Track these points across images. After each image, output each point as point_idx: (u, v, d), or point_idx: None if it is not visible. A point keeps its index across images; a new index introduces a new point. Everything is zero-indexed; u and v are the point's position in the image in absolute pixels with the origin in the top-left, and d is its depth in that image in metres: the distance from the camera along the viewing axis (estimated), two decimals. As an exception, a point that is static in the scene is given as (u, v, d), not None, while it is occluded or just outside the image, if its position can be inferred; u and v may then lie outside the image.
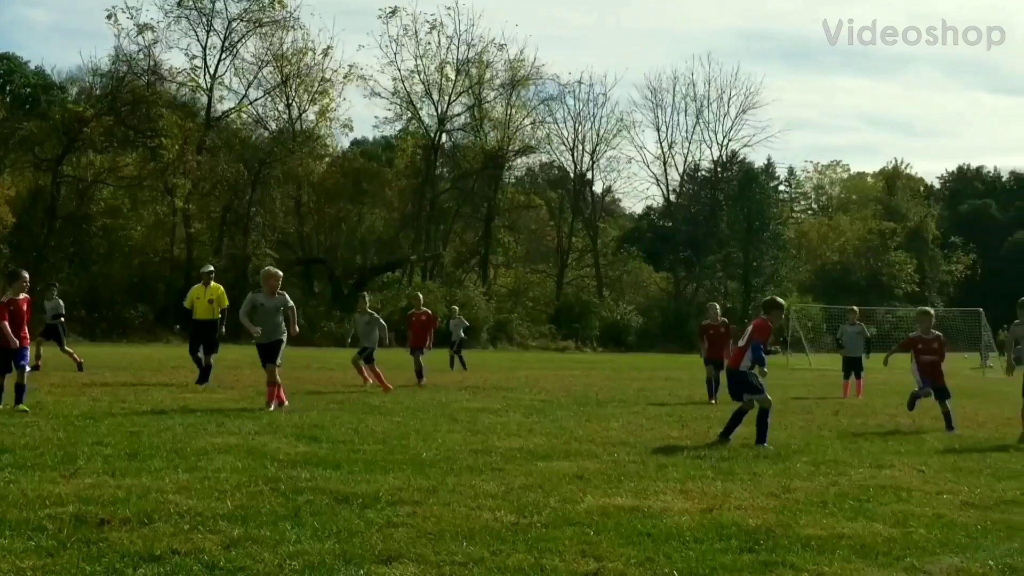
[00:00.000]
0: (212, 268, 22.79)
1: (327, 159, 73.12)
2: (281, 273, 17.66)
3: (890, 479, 10.27)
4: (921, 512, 8.35)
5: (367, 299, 24.31)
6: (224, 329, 21.73)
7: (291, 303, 17.34)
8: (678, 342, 70.07)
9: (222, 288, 21.93)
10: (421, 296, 26.51)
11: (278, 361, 16.61)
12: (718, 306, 22.94)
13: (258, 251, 64.62)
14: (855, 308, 29.13)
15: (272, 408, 16.01)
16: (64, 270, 58.56)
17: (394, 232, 73.92)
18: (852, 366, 25.16)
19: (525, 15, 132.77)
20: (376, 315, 23.06)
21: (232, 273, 63.02)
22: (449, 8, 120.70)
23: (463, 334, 34.52)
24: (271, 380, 16.49)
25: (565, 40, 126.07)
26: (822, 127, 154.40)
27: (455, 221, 75.56)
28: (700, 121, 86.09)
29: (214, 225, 65.21)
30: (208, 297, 21.57)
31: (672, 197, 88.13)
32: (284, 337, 16.88)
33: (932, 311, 17.64)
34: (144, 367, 21.24)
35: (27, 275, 15.47)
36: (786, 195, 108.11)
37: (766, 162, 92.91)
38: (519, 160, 79.31)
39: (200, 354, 21.37)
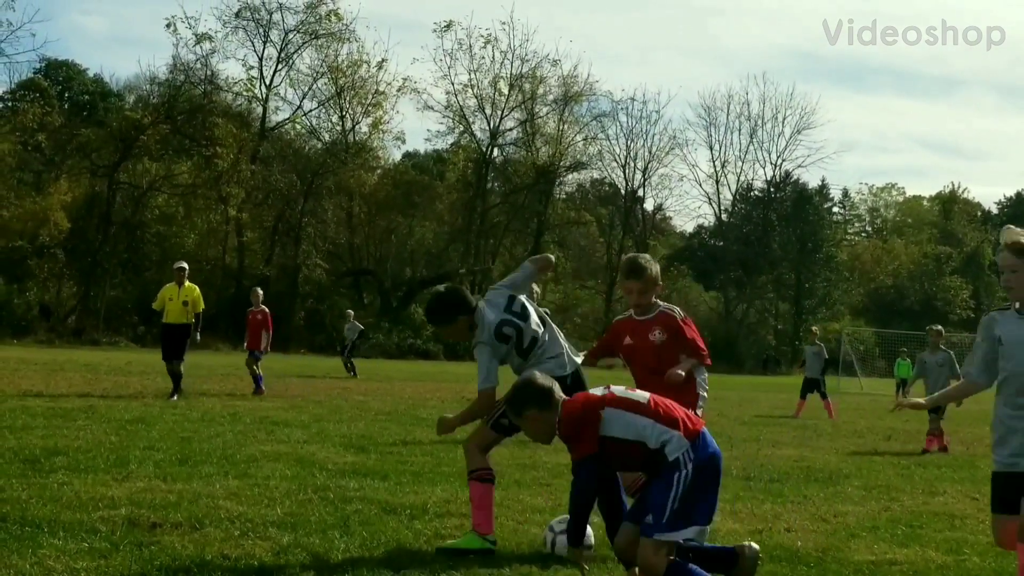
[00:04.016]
0: (185, 265, 20.12)
1: (379, 171, 73.49)
2: None
3: (943, 506, 10.14)
4: (975, 540, 8.23)
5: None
6: (199, 335, 19.53)
7: None
8: (728, 362, 69.66)
9: (197, 289, 19.65)
10: (260, 292, 23.02)
11: None
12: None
13: (309, 261, 65.10)
14: (814, 329, 29.05)
15: None
16: (117, 276, 59.29)
17: (444, 245, 74.14)
18: (810, 386, 25.20)
19: (580, 31, 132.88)
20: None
21: (283, 282, 63.58)
22: (504, 23, 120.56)
23: (356, 339, 34.43)
24: None
25: (619, 57, 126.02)
26: (877, 149, 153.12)
27: (505, 235, 75.65)
28: (754, 140, 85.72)
29: (266, 234, 65.75)
30: (182, 298, 19.27)
31: (724, 216, 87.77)
32: None
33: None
34: (194, 374, 21.40)
35: None
36: (840, 217, 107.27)
37: (820, 183, 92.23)
38: (570, 176, 79.29)
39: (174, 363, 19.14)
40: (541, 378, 5.97)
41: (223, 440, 12.29)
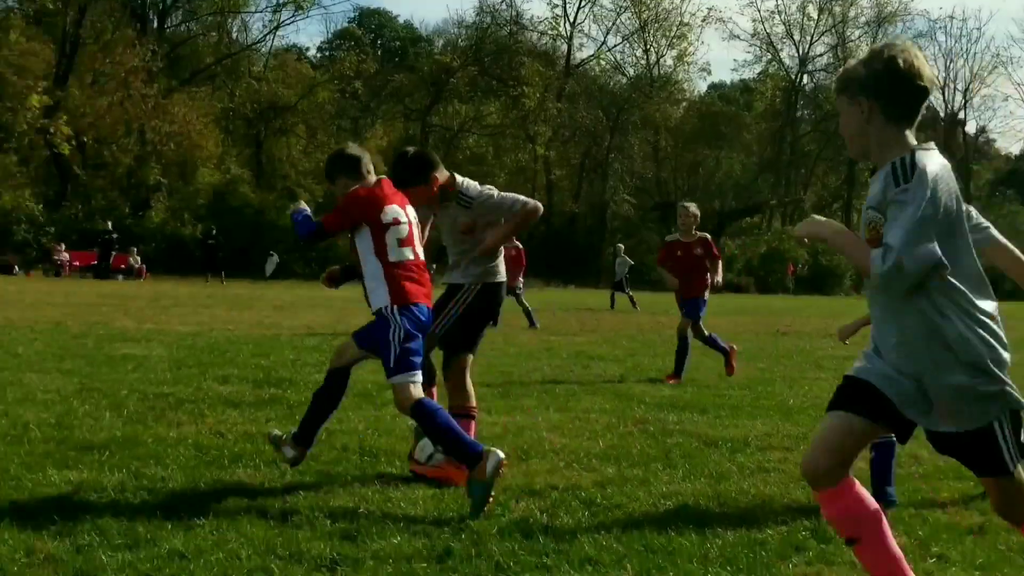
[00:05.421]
0: None
1: (684, 104, 72.99)
2: None
3: None
4: None
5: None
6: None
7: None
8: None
9: None
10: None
11: None
12: (694, 208, 13.14)
13: (616, 197, 65.49)
14: None
15: None
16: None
17: (752, 176, 73.00)
18: None
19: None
20: None
21: (592, 219, 64.27)
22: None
23: (627, 273, 33.64)
24: None
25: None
26: None
27: (816, 165, 73.69)
28: (1087, 53, 79.92)
29: (573, 172, 66.57)
30: None
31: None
32: None
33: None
34: (512, 308, 21.90)
35: None
36: None
37: None
38: (883, 100, 76.39)
39: None
40: (353, 148, 6.65)
41: (541, 374, 12.58)
